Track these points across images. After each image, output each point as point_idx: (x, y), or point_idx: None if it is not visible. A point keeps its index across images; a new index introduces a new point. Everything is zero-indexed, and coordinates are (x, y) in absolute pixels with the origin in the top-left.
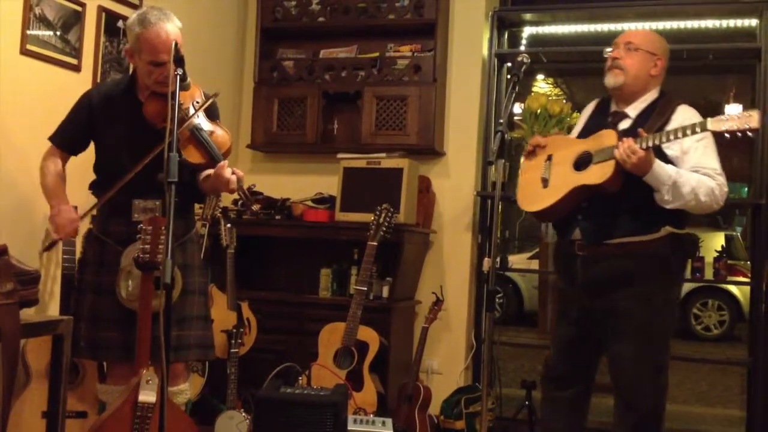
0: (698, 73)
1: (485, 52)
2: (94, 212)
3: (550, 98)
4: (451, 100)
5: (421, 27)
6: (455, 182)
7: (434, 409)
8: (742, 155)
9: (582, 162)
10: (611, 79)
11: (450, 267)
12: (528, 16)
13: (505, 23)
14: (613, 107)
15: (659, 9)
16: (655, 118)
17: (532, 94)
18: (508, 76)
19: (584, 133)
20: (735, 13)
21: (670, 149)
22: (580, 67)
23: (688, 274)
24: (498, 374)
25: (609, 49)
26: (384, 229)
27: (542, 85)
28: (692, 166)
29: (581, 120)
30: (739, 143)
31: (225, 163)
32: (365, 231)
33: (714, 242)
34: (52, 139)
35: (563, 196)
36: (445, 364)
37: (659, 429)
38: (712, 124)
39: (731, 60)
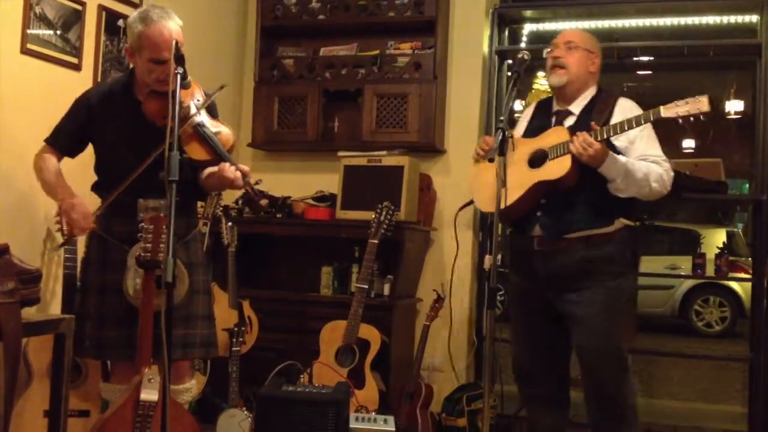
0: (699, 70)
1: (486, 49)
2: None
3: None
4: (451, 98)
5: (422, 24)
6: (456, 180)
7: (436, 406)
8: (743, 151)
9: (537, 159)
10: (555, 79)
11: (451, 264)
12: (528, 13)
13: (505, 20)
14: (555, 107)
15: (659, 5)
16: (597, 112)
17: (533, 90)
18: (509, 73)
19: (528, 135)
20: (735, 9)
21: (618, 140)
22: None
23: (689, 270)
24: (500, 371)
25: (548, 50)
26: (385, 226)
27: (543, 81)
28: (640, 155)
29: (521, 123)
30: (740, 140)
31: (227, 161)
32: (366, 229)
33: (715, 239)
34: (48, 140)
35: (524, 193)
36: (447, 361)
37: (633, 417)
38: (666, 110)
39: (732, 56)
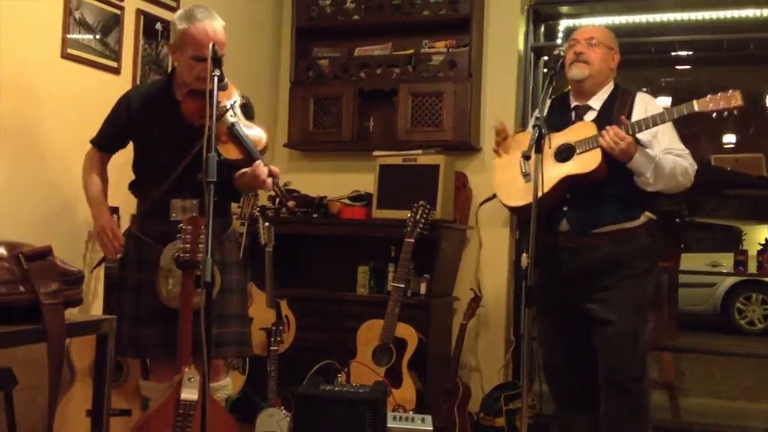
0: (739, 64)
1: (521, 46)
2: (134, 211)
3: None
4: (487, 96)
5: (456, 22)
6: (492, 177)
7: (473, 406)
8: None
9: (563, 154)
10: (577, 72)
11: (488, 263)
12: (565, 9)
13: (541, 16)
14: (574, 102)
15: None
16: (619, 107)
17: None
18: (545, 70)
19: (548, 131)
20: None
21: (642, 134)
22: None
23: (731, 267)
24: (537, 371)
25: (563, 48)
26: (421, 225)
27: None
28: (664, 148)
29: None
30: None
31: (260, 161)
32: (402, 228)
33: (758, 235)
34: (93, 141)
35: (552, 187)
36: (484, 360)
37: (646, 413)
38: (699, 105)
39: None
